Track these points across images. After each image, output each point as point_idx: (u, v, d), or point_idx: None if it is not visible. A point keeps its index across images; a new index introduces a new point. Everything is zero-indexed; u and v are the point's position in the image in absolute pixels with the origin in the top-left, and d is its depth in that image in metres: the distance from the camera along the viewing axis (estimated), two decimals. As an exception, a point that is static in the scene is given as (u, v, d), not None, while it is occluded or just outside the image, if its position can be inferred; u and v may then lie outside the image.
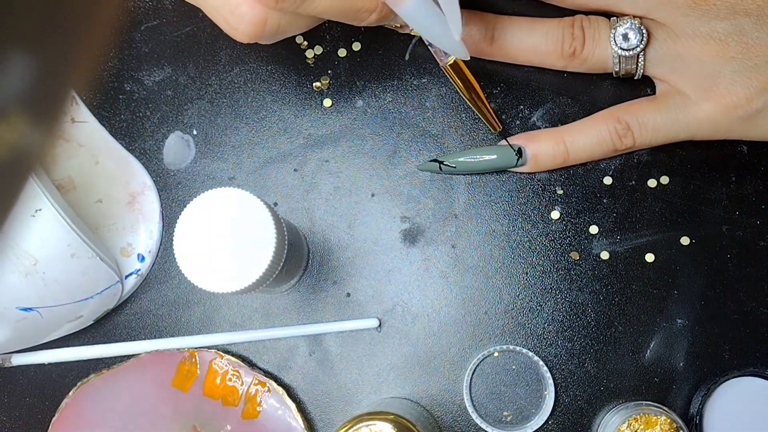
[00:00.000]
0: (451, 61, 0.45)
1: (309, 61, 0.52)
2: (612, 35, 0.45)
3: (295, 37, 0.52)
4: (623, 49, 0.45)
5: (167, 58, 0.52)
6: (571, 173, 0.50)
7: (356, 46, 0.51)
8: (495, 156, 0.47)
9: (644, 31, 0.45)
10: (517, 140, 0.48)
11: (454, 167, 0.48)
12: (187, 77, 0.52)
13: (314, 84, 0.51)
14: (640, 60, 0.45)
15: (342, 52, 0.51)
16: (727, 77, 0.44)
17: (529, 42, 0.47)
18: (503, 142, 0.48)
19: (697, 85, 0.45)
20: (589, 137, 0.47)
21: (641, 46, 0.45)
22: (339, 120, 0.51)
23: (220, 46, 0.52)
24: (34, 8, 0.13)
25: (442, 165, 0.48)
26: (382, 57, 0.51)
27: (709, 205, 0.49)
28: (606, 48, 0.46)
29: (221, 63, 0.52)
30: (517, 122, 0.50)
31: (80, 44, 0.14)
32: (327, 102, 0.51)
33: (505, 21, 0.47)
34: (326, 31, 0.51)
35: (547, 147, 0.47)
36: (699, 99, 0.44)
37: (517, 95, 0.50)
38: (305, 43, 0.51)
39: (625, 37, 0.45)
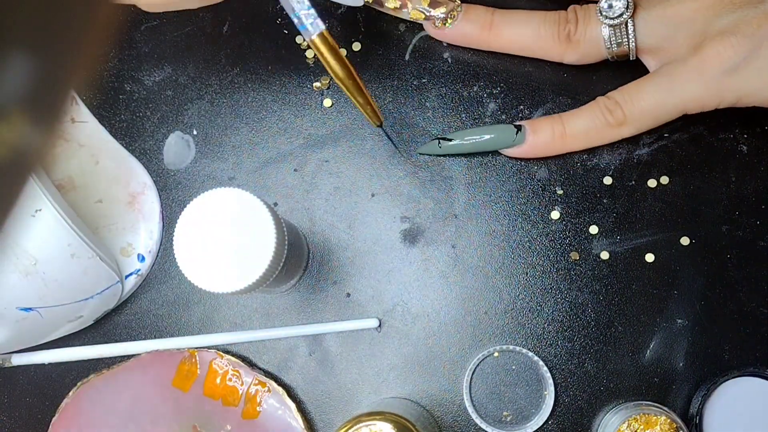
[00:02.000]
0: (317, 33, 0.42)
1: (309, 61, 0.52)
2: (598, 9, 0.46)
3: (294, 37, 0.52)
4: (610, 18, 0.45)
5: (167, 58, 0.52)
6: (571, 173, 0.50)
7: (356, 46, 0.51)
8: (494, 134, 0.48)
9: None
10: (516, 122, 0.49)
11: (452, 140, 0.48)
12: (187, 77, 0.52)
13: (314, 84, 0.51)
14: (629, 29, 0.45)
15: (342, 52, 0.51)
16: (715, 31, 0.43)
17: (528, 28, 0.47)
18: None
19: (689, 45, 0.44)
20: (583, 117, 0.47)
21: (628, 12, 0.45)
22: (339, 120, 0.51)
23: (220, 46, 0.52)
24: (34, 8, 0.13)
25: (441, 141, 0.48)
26: (382, 57, 0.51)
27: (709, 205, 0.49)
28: (596, 25, 0.46)
29: (221, 63, 0.52)
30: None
31: (80, 44, 0.14)
32: (327, 102, 0.51)
33: (504, 11, 0.48)
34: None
35: (545, 125, 0.47)
36: (687, 55, 0.44)
37: (517, 95, 0.50)
38: (305, 43, 0.51)
39: (610, 6, 0.45)
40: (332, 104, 0.51)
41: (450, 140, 0.48)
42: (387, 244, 0.50)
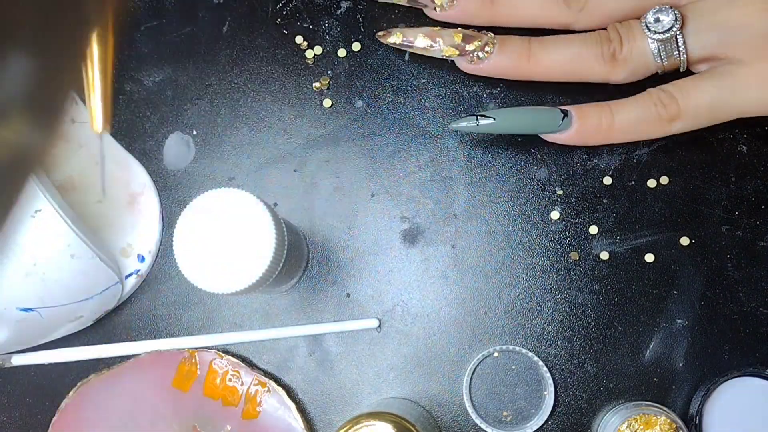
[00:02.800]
0: None
1: (309, 62, 0.52)
2: (643, 24, 0.44)
3: (295, 37, 0.52)
4: (659, 33, 0.43)
5: (167, 59, 0.52)
6: (571, 173, 0.50)
7: (356, 47, 0.51)
8: (537, 116, 0.45)
9: (676, 11, 0.43)
10: (562, 107, 0.47)
11: (494, 119, 0.45)
12: (187, 78, 0.52)
13: (314, 84, 0.51)
14: (679, 42, 0.43)
15: (342, 53, 0.51)
16: None
17: (568, 52, 0.45)
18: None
19: (750, 49, 0.42)
20: (634, 107, 0.45)
21: (677, 24, 0.43)
22: (339, 120, 0.51)
23: (219, 46, 0.52)
24: (34, 9, 0.13)
25: (479, 117, 0.45)
26: (382, 57, 0.51)
27: (709, 205, 0.49)
28: (643, 41, 0.44)
29: (221, 63, 0.52)
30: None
31: (80, 45, 0.14)
32: (327, 102, 0.51)
33: (541, 38, 0.46)
34: (326, 32, 0.52)
35: (593, 112, 0.45)
36: (752, 60, 0.42)
37: (517, 95, 0.50)
38: (305, 43, 0.52)
39: (657, 20, 0.43)
40: (332, 104, 0.51)
41: (491, 118, 0.45)
42: (387, 244, 0.50)
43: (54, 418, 0.49)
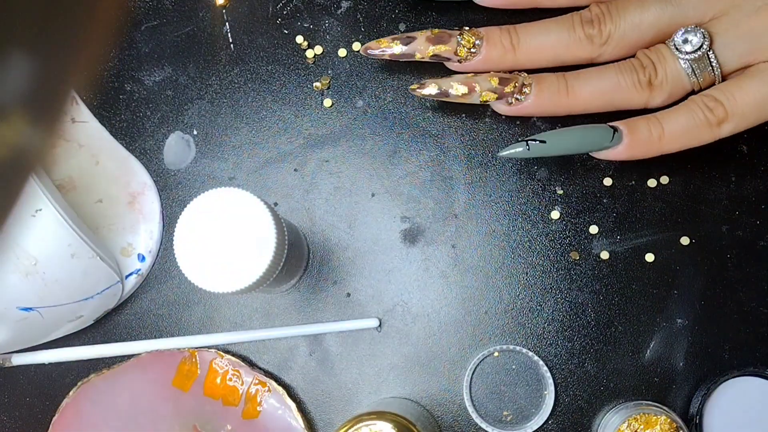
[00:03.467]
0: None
1: (309, 61, 0.52)
2: (672, 47, 0.44)
3: (295, 36, 0.52)
4: (689, 53, 0.43)
5: (167, 58, 0.52)
6: (571, 173, 0.50)
7: (356, 46, 0.51)
8: (589, 135, 0.45)
9: (702, 30, 0.43)
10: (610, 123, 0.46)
11: (544, 142, 0.44)
12: (188, 77, 0.52)
13: (314, 84, 0.51)
14: (711, 58, 0.44)
15: (342, 52, 0.51)
16: None
17: (605, 84, 0.45)
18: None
19: None
20: (681, 116, 0.44)
21: (705, 42, 0.43)
22: (339, 120, 0.51)
23: (220, 46, 0.52)
24: (34, 8, 0.13)
25: (529, 143, 0.44)
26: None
27: (709, 205, 0.49)
28: (675, 62, 0.44)
29: (221, 63, 0.52)
30: (518, 122, 0.50)
31: (80, 44, 0.14)
32: (327, 102, 0.51)
33: (573, 72, 0.46)
34: (327, 32, 0.52)
35: (642, 125, 0.44)
36: None
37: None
38: (305, 43, 0.52)
39: (685, 41, 0.44)
40: (332, 104, 0.51)
41: (541, 141, 0.44)
42: (387, 243, 0.50)
43: (54, 418, 0.49)
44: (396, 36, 0.46)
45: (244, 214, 0.39)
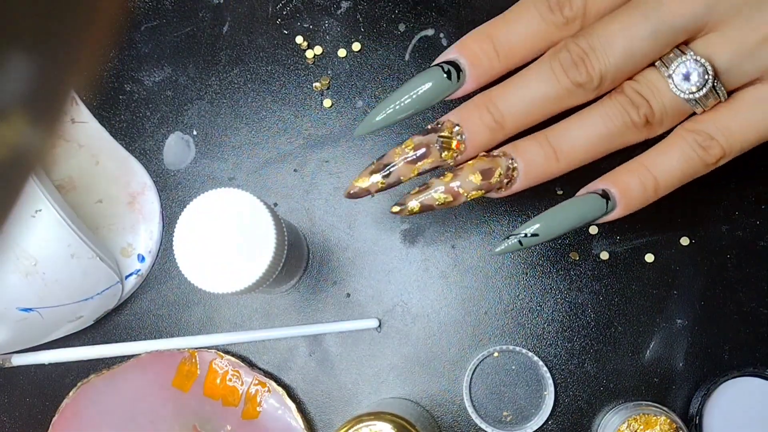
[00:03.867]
0: None
1: (309, 62, 0.52)
2: (670, 84, 0.37)
3: (295, 37, 0.52)
4: (693, 93, 0.37)
5: (167, 59, 0.52)
6: (571, 173, 0.50)
7: (356, 47, 0.51)
8: (580, 206, 0.40)
9: (703, 62, 0.36)
10: (596, 185, 0.40)
11: (537, 235, 0.40)
12: (187, 78, 0.52)
13: (314, 84, 0.51)
14: (718, 89, 0.37)
15: (342, 53, 0.51)
16: None
17: (594, 133, 0.38)
18: (581, 191, 0.41)
19: None
20: (672, 160, 0.39)
21: (709, 77, 0.36)
22: (339, 120, 0.51)
23: (220, 46, 0.52)
24: (34, 8, 0.13)
25: (521, 240, 0.39)
26: (382, 57, 0.51)
27: (709, 205, 0.49)
28: (671, 95, 0.37)
29: (221, 63, 0.52)
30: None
31: (80, 44, 0.14)
32: (327, 102, 0.51)
33: (555, 130, 0.39)
34: (326, 32, 0.52)
35: (634, 181, 0.39)
36: None
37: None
38: (305, 43, 0.52)
39: (686, 77, 0.37)
40: (332, 104, 0.51)
41: (534, 235, 0.40)
42: (387, 244, 0.50)
43: (54, 418, 0.49)
44: (372, 168, 0.40)
45: (244, 215, 0.39)
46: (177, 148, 0.52)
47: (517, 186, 0.40)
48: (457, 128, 0.39)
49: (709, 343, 0.48)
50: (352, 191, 0.40)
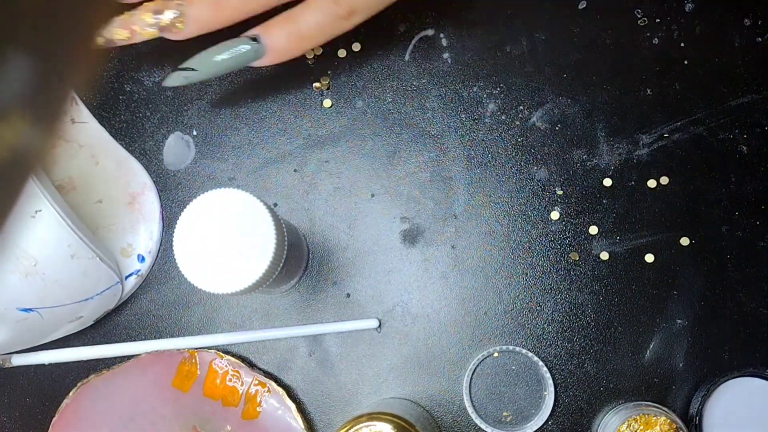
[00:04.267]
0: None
1: (309, 62, 0.52)
2: None
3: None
4: None
5: (167, 59, 0.52)
6: (571, 174, 0.50)
7: (356, 47, 0.51)
8: (234, 53, 0.45)
9: None
10: (249, 32, 0.46)
11: (193, 69, 0.45)
12: (187, 78, 0.52)
13: (314, 84, 0.51)
14: None
15: (342, 53, 0.51)
16: None
17: None
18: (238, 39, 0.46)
19: None
20: (313, 13, 0.45)
21: None
22: (339, 120, 0.51)
23: (220, 46, 0.52)
24: (34, 8, 0.13)
25: (183, 74, 0.45)
26: (382, 57, 0.51)
27: (709, 205, 0.49)
28: None
29: (221, 63, 0.52)
30: (517, 122, 0.50)
31: (80, 45, 0.14)
32: (327, 102, 0.51)
33: None
34: (326, 32, 0.52)
35: (279, 30, 0.45)
36: None
37: (517, 95, 0.50)
38: (305, 43, 0.52)
39: None
40: (332, 104, 0.51)
41: (192, 69, 0.45)
42: (387, 244, 0.50)
43: (54, 418, 0.49)
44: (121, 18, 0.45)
45: (244, 215, 0.39)
46: (177, 149, 0.52)
47: (187, 32, 0.45)
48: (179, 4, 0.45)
49: (709, 344, 0.48)
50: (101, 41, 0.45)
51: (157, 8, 0.45)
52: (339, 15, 0.45)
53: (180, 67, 0.45)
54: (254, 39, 0.45)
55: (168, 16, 0.45)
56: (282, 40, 0.45)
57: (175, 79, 0.46)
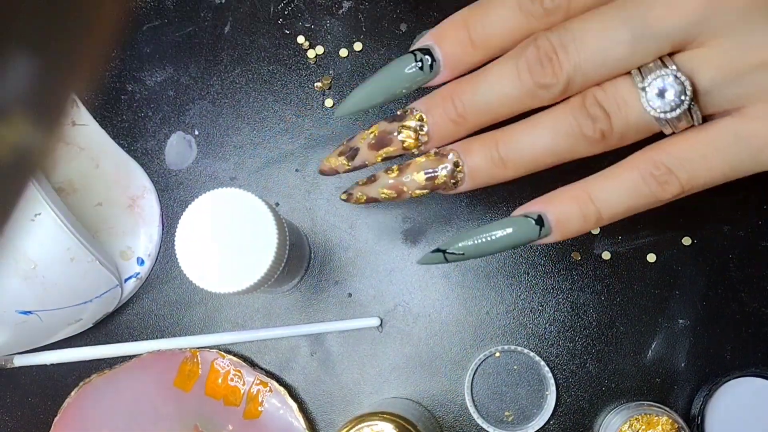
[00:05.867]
0: None
1: (310, 61, 0.52)
2: (643, 99, 0.33)
3: (296, 36, 0.52)
4: (665, 112, 0.33)
5: (169, 59, 0.52)
6: (572, 174, 0.50)
7: (357, 46, 0.51)
8: (510, 230, 0.37)
9: (683, 79, 0.32)
10: (532, 207, 0.37)
11: (462, 254, 0.38)
12: (189, 77, 0.52)
13: (316, 84, 0.51)
14: (693, 112, 0.33)
15: (343, 52, 0.51)
16: None
17: (539, 144, 0.35)
18: (517, 211, 0.38)
19: None
20: (619, 190, 0.35)
21: (687, 97, 0.32)
22: (340, 120, 0.51)
23: (221, 46, 0.52)
24: (35, 8, 0.13)
25: (446, 254, 0.38)
26: (383, 57, 0.51)
27: (711, 205, 0.49)
28: (640, 109, 0.33)
29: (223, 63, 0.52)
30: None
31: (82, 45, 0.14)
32: (328, 102, 0.51)
33: (506, 134, 0.36)
34: (328, 32, 0.52)
35: (572, 209, 0.36)
36: None
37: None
38: (307, 43, 0.51)
39: (661, 94, 0.32)
40: (334, 104, 0.51)
41: (459, 254, 0.38)
42: (388, 244, 0.50)
43: (56, 418, 0.49)
44: (340, 149, 0.39)
45: (246, 215, 0.39)
46: (179, 148, 0.52)
47: (464, 188, 0.38)
48: (416, 112, 0.37)
49: (711, 343, 0.48)
50: (321, 168, 0.40)
51: (429, 167, 0.38)
52: (658, 198, 0.35)
53: (442, 249, 0.38)
54: (539, 219, 0.37)
55: (443, 178, 0.37)
56: (575, 225, 0.36)
57: (433, 260, 0.38)
